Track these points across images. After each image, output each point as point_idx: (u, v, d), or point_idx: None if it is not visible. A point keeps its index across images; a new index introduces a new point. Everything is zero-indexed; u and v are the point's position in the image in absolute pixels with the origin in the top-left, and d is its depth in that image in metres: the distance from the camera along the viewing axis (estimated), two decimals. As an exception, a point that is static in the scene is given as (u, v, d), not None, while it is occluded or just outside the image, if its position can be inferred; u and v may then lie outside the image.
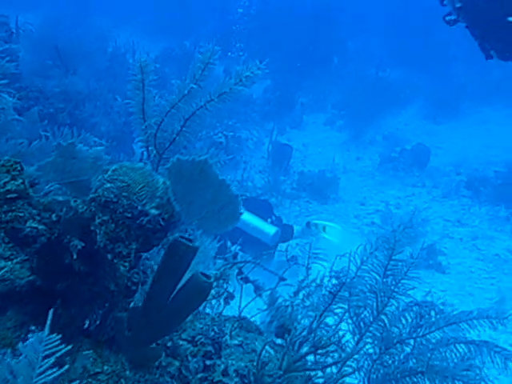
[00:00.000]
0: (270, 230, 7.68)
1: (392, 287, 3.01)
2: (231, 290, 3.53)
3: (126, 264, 2.31)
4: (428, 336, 3.05)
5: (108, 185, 2.07)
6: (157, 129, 2.62)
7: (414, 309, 3.17)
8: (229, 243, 8.04)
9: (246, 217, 7.72)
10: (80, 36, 12.71)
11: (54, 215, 2.17)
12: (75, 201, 2.16)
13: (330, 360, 2.64)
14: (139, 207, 2.10)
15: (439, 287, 7.45)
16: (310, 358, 2.73)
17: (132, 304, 2.44)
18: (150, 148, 2.67)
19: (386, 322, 3.03)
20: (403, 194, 10.62)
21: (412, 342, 3.07)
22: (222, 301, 3.19)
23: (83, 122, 8.42)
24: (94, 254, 2.22)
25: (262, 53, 16.22)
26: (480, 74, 14.34)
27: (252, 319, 3.28)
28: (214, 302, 3.18)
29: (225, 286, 3.08)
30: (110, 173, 2.10)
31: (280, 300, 3.17)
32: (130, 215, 2.10)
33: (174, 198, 2.13)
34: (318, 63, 16.41)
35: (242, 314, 3.31)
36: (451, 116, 13.77)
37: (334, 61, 17.53)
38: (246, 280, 4.16)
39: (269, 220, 7.93)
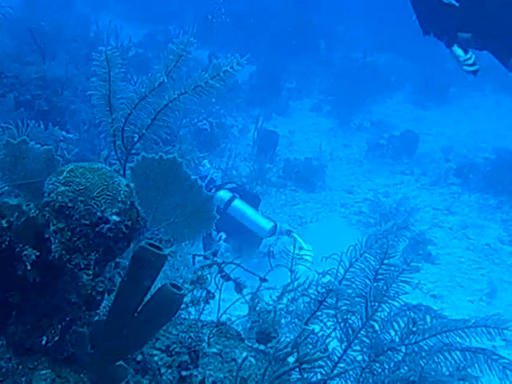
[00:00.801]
0: (267, 224, 7.47)
1: (383, 292, 2.79)
2: (211, 290, 3.33)
3: (90, 272, 2.08)
4: (421, 343, 2.83)
5: (62, 188, 1.83)
6: (124, 122, 2.37)
7: (407, 313, 2.95)
8: (214, 233, 7.84)
9: (242, 206, 7.53)
10: (60, 21, 12.36)
11: (4, 221, 1.93)
12: (28, 205, 1.91)
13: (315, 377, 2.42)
14: (98, 213, 1.86)
15: (429, 278, 7.23)
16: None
17: (97, 317, 2.21)
18: (117, 143, 2.42)
19: (376, 328, 2.81)
20: (392, 182, 10.41)
21: (404, 349, 2.86)
22: (199, 306, 2.97)
23: (62, 109, 8.13)
24: (51, 264, 1.98)
25: (249, 37, 16.01)
26: (468, 59, 14.09)
27: (233, 324, 3.07)
28: (190, 306, 2.96)
29: (199, 292, 2.85)
30: (65, 174, 1.85)
31: (262, 304, 2.95)
32: (88, 222, 1.85)
33: (139, 202, 1.89)
34: (305, 48, 16.16)
35: (223, 318, 3.09)
36: (440, 102, 13.55)
37: (322, 45, 17.27)
38: (227, 278, 3.94)
39: None
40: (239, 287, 3.78)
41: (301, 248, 7.32)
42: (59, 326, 2.09)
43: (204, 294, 3.32)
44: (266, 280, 3.25)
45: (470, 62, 5.15)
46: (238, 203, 7.58)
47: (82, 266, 1.88)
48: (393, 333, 2.91)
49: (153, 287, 2.08)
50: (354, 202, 9.78)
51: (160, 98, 2.40)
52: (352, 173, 10.89)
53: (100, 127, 2.44)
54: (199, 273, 2.78)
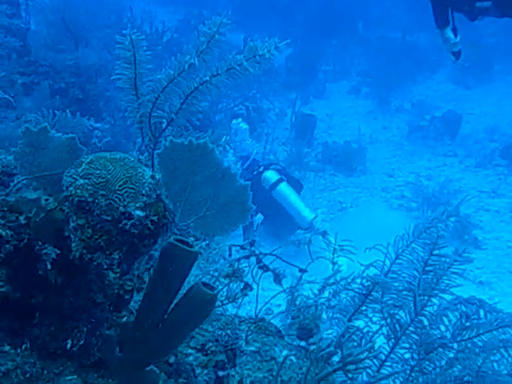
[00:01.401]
0: (309, 214, 7.27)
1: (433, 285, 2.58)
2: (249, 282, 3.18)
3: (117, 270, 1.92)
4: (475, 339, 2.63)
5: (81, 181, 1.67)
6: (152, 107, 2.20)
7: (458, 307, 2.75)
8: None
9: (287, 191, 7.32)
10: (94, 8, 12.25)
11: (22, 217, 1.78)
12: (47, 199, 1.76)
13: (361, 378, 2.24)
14: (121, 208, 1.70)
15: (476, 264, 6.94)
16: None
17: (125, 318, 2.05)
18: (144, 130, 2.25)
19: (426, 323, 2.61)
20: (434, 165, 10.08)
21: (456, 345, 2.65)
22: (236, 301, 2.80)
23: (96, 96, 8.04)
24: (72, 263, 1.83)
25: (285, 19, 15.74)
26: (510, 34, 13.58)
27: (272, 319, 2.89)
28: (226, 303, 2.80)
29: (236, 286, 2.68)
30: (84, 166, 1.70)
31: (302, 298, 2.77)
32: (109, 218, 1.69)
33: (167, 195, 1.72)
34: (342, 29, 15.81)
35: (262, 310, 2.92)
36: (483, 80, 13.06)
37: (359, 26, 16.89)
38: (266, 269, 3.77)
39: None
40: (278, 278, 3.61)
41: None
42: (85, 329, 1.95)
43: (241, 288, 3.18)
44: (305, 271, 3.07)
45: (458, 45, 5.59)
46: (284, 187, 7.36)
47: (105, 266, 1.72)
48: (443, 328, 2.71)
49: (186, 283, 1.92)
50: (395, 185, 9.51)
51: (190, 81, 2.23)
52: (393, 155, 10.59)
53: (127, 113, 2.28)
54: (236, 265, 2.61)
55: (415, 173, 9.79)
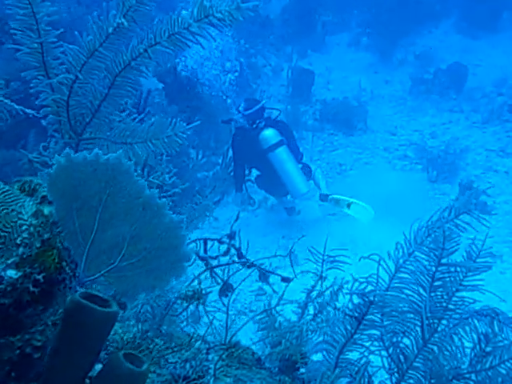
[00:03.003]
0: (303, 187, 6.65)
1: (444, 303, 2.06)
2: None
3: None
4: (499, 368, 2.11)
5: None
6: (69, 93, 1.64)
7: (472, 322, 2.22)
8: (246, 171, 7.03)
9: (285, 157, 6.64)
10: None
11: None
12: None
13: None
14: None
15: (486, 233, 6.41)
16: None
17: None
18: (62, 122, 1.70)
19: (437, 352, 2.09)
20: (439, 121, 9.51)
21: (475, 376, 2.14)
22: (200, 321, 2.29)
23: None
24: None
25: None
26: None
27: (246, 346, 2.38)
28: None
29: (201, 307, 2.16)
30: None
31: (282, 319, 2.26)
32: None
33: (64, 237, 1.18)
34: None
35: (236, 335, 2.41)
36: (491, 29, 12.29)
37: (359, -28, 16.06)
38: (249, 264, 3.26)
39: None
40: (264, 276, 3.11)
41: (348, 204, 6.56)
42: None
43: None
44: (288, 279, 2.55)
45: None
46: (282, 152, 6.66)
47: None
48: (455, 350, 2.19)
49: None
50: (398, 144, 8.97)
51: (119, 54, 1.66)
52: (395, 112, 10.02)
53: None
54: (196, 286, 2.09)
55: (419, 130, 9.27)
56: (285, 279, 2.54)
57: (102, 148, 1.69)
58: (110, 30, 1.63)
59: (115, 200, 1.30)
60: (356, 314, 2.01)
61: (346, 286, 2.17)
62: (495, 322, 2.27)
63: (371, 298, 2.02)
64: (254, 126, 6.81)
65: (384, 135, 9.30)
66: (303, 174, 6.72)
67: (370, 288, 2.07)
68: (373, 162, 8.61)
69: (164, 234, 1.37)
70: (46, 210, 1.21)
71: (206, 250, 3.20)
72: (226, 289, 2.97)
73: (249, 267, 3.22)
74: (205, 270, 2.30)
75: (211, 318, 2.24)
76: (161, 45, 1.67)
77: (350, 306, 2.05)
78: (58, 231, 1.21)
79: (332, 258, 2.15)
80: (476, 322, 2.22)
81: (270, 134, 6.68)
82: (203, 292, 2.11)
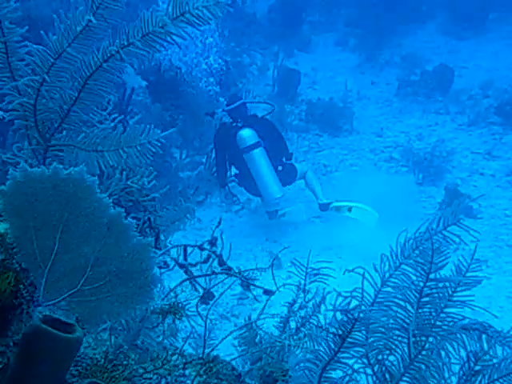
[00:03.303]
0: (276, 192, 6.52)
1: (432, 320, 1.97)
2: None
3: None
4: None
5: None
6: (36, 96, 1.53)
7: (461, 337, 2.14)
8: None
9: (259, 160, 6.50)
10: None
11: None
12: None
13: None
14: None
15: (471, 237, 6.34)
16: None
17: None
18: (29, 127, 1.59)
19: (424, 371, 2.00)
20: (425, 123, 9.45)
21: (461, 395, 2.06)
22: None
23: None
24: None
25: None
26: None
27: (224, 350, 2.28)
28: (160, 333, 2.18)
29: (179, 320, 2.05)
30: None
31: (263, 334, 2.16)
32: None
33: (20, 258, 1.08)
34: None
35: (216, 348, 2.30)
36: (477, 31, 12.25)
37: (346, -28, 15.97)
38: (231, 272, 3.16)
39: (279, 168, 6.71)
40: (247, 283, 3.01)
41: (349, 208, 6.50)
42: None
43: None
44: (270, 292, 2.45)
45: None
46: (257, 154, 6.52)
47: None
48: (443, 367, 2.11)
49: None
50: (383, 146, 8.90)
51: (89, 55, 1.55)
52: (381, 113, 9.96)
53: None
54: (172, 299, 1.98)
55: (405, 132, 9.20)
56: (267, 292, 2.43)
57: (71, 155, 1.60)
58: (79, 28, 1.52)
59: (77, 219, 1.20)
60: (340, 332, 1.92)
61: (329, 297, 2.08)
62: (483, 337, 2.20)
63: (355, 315, 1.93)
64: (234, 124, 6.71)
65: (370, 137, 9.23)
66: (278, 178, 6.58)
67: (354, 303, 1.98)
68: (358, 163, 8.54)
69: (131, 256, 1.26)
70: (1, 228, 1.10)
71: (185, 257, 3.10)
72: (208, 297, 2.88)
73: (230, 276, 3.14)
74: (184, 281, 2.20)
75: (190, 329, 2.14)
76: (134, 45, 1.57)
77: (334, 322, 1.96)
78: (15, 251, 1.10)
79: (316, 271, 2.06)
80: (464, 337, 2.14)
81: (246, 135, 6.55)
82: (180, 306, 2.01)
